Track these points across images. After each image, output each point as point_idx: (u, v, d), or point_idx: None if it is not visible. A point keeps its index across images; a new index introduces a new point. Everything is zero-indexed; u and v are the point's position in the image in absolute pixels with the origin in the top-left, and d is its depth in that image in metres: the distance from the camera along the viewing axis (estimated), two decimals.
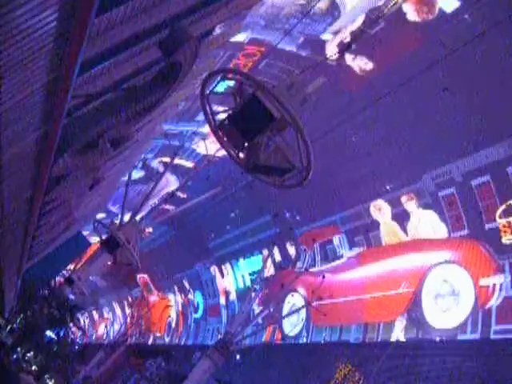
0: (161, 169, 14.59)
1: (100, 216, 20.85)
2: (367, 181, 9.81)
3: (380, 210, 9.89)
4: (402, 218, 9.47)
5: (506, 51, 7.45)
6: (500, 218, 7.84)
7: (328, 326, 10.99)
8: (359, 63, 8.97)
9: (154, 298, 20.59)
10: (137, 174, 15.19)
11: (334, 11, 9.02)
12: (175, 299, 18.85)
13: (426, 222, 9.08)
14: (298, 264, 11.59)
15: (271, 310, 10.84)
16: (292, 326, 11.61)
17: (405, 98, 8.31)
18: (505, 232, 7.65)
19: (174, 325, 18.85)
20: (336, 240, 11.01)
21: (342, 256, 10.81)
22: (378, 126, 9.10)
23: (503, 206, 7.69)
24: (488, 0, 7.51)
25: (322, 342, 11.05)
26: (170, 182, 14.90)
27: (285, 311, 11.60)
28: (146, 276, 20.34)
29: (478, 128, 7.84)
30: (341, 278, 10.52)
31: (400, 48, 8.55)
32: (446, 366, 7.68)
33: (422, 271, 8.58)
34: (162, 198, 11.08)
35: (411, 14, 8.22)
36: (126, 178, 14.50)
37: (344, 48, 8.14)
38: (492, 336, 7.64)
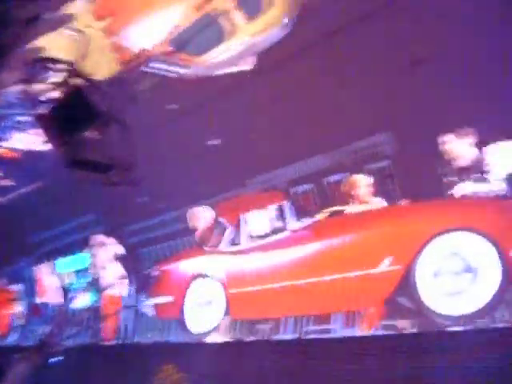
0: None
1: None
2: (189, 184, 9.83)
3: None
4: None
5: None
6: None
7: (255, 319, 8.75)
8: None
9: None
10: None
11: None
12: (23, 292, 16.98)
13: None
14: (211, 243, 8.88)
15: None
16: (200, 320, 8.58)
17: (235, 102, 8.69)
18: None
19: (23, 321, 16.92)
20: (272, 210, 8.39)
21: (282, 229, 8.09)
22: (204, 131, 9.28)
23: (319, 214, 8.16)
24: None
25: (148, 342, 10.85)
26: None
27: (192, 301, 8.65)
28: None
29: (299, 139, 8.35)
30: (280, 256, 7.86)
31: None
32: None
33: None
34: None
35: None
36: None
37: None
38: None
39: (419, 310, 6.36)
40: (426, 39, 7.11)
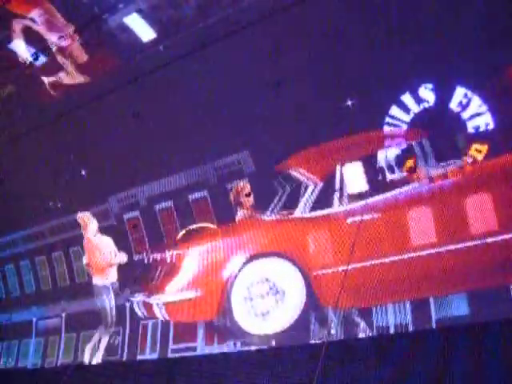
0: None
1: None
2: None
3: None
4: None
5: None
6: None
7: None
8: (49, 79, 8.75)
9: None
10: None
11: None
12: None
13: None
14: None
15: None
16: (265, 318, 6.24)
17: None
18: None
19: None
20: (382, 155, 6.21)
21: (401, 181, 6.01)
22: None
23: (183, 231, 8.13)
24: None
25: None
26: None
27: (244, 292, 6.21)
28: None
29: (162, 156, 8.29)
30: (407, 217, 5.73)
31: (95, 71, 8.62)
32: None
33: None
34: None
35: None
36: None
37: None
38: None
39: None
40: (285, 61, 7.37)
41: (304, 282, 5.99)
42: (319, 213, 6.15)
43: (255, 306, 6.21)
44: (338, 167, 6.16)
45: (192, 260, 6.49)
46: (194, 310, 6.36)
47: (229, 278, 6.16)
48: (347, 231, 5.89)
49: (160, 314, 6.56)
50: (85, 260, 8.63)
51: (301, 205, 6.28)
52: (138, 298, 7.15)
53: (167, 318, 6.60)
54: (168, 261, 6.65)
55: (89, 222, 8.55)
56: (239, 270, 6.17)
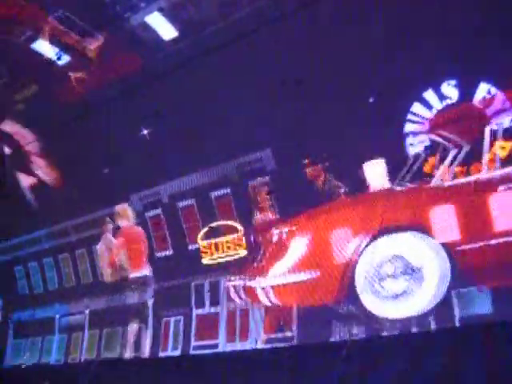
0: None
1: None
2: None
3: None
4: None
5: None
6: (201, 239, 8.31)
7: None
8: (76, 75, 8.82)
9: None
10: None
11: None
12: None
13: None
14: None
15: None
16: (392, 299, 5.40)
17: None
18: (205, 253, 8.15)
19: None
20: None
21: None
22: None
23: (206, 229, 8.16)
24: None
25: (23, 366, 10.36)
26: None
27: (369, 270, 5.40)
28: None
29: (183, 153, 8.33)
30: None
31: (117, 69, 8.67)
32: None
33: None
34: None
35: None
36: None
37: None
38: None
39: None
40: (307, 58, 7.36)
41: (448, 259, 5.16)
42: (464, 180, 5.33)
43: (386, 288, 5.43)
44: (487, 128, 5.27)
45: (306, 238, 5.71)
46: (309, 293, 5.57)
47: (352, 256, 5.38)
48: (498, 200, 5.05)
49: (266, 298, 5.81)
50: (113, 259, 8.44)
51: (440, 171, 5.46)
52: (238, 281, 6.46)
53: (276, 302, 5.82)
54: (275, 239, 5.92)
55: (129, 212, 8.43)
56: (365, 247, 5.38)
